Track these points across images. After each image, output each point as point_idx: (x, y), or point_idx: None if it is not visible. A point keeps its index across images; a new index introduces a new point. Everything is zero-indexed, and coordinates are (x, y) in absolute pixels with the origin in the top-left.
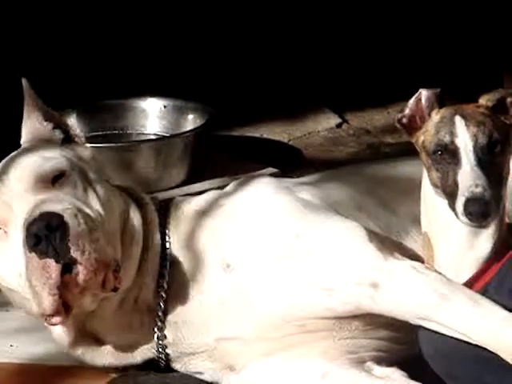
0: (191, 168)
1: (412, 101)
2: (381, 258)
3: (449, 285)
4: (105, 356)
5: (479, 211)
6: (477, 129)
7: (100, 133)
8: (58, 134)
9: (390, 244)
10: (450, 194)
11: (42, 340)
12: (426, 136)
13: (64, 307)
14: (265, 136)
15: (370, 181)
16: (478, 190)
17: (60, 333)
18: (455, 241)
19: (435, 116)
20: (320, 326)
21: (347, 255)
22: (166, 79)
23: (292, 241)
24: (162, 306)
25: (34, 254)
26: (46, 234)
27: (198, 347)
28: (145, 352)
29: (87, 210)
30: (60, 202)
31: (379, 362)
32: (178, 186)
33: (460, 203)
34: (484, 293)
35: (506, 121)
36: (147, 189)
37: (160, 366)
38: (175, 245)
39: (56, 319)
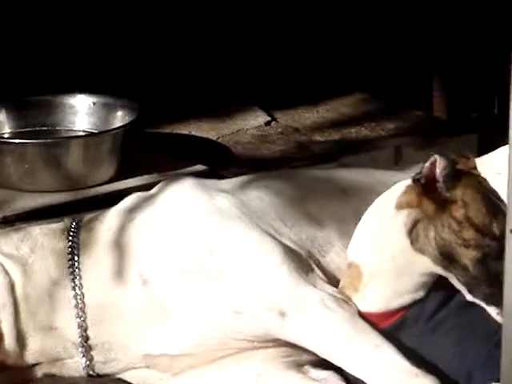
0: (120, 165)
1: (427, 166)
2: (291, 285)
3: (354, 326)
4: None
5: None
6: None
7: (29, 129)
8: None
9: (306, 265)
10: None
11: None
12: (470, 211)
13: None
14: (193, 133)
15: (298, 189)
16: None
17: None
18: (400, 284)
19: (469, 191)
20: (242, 344)
21: (258, 279)
22: (95, 76)
23: (205, 258)
24: (84, 335)
25: None
26: None
27: (128, 364)
28: (72, 368)
29: None
30: None
31: (316, 365)
32: (106, 183)
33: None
34: (402, 323)
35: None
36: (76, 185)
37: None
38: (87, 271)
39: None
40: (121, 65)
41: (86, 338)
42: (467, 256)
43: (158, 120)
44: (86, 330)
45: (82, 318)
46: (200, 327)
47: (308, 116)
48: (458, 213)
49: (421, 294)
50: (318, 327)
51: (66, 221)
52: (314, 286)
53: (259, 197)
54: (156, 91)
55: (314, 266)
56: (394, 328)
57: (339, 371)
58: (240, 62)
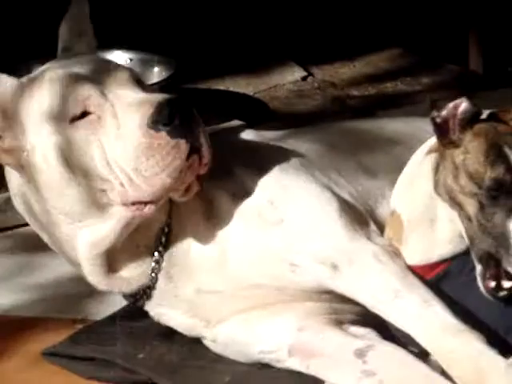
0: None
1: (451, 105)
2: (346, 238)
3: (405, 280)
4: (109, 281)
5: None
6: None
7: None
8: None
9: (361, 218)
10: (494, 237)
11: (7, 291)
12: (467, 158)
13: None
14: (230, 89)
15: (349, 141)
16: None
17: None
18: (435, 233)
19: (475, 140)
20: (297, 292)
21: (314, 232)
22: (131, 32)
23: (265, 207)
24: (163, 240)
25: (164, 133)
26: (181, 116)
27: (180, 293)
28: (139, 279)
29: None
30: None
31: (355, 324)
32: None
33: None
34: (446, 274)
35: None
36: None
37: (137, 303)
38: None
39: (151, 207)
40: (157, 21)
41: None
42: (468, 203)
43: (195, 76)
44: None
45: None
46: (256, 274)
47: (344, 71)
48: (458, 158)
49: (460, 246)
50: (369, 280)
51: None
52: (368, 239)
53: (316, 150)
54: (192, 47)
55: (368, 218)
56: (437, 279)
57: (379, 330)
58: (276, 17)
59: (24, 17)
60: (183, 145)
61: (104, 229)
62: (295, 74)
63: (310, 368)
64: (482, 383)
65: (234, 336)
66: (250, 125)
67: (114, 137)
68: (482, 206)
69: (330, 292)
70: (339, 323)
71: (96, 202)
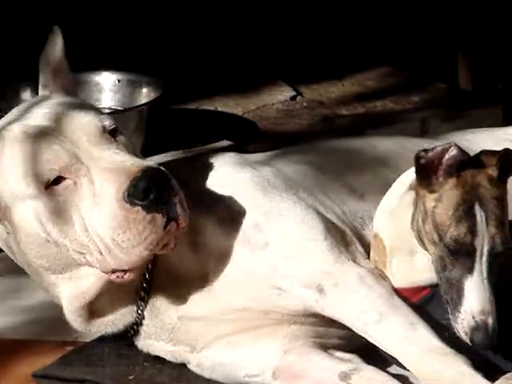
0: (146, 142)
1: (440, 148)
2: (331, 261)
3: (390, 303)
4: (93, 325)
5: (485, 343)
6: (495, 230)
7: None
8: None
9: (347, 240)
10: (453, 292)
11: None
12: (438, 207)
13: None
14: (219, 109)
15: (336, 161)
16: (490, 319)
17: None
18: (415, 262)
19: (453, 190)
20: (283, 315)
21: (299, 255)
22: (119, 53)
23: (250, 230)
24: (147, 276)
25: (139, 208)
26: (157, 189)
27: (165, 323)
28: (124, 318)
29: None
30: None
31: (340, 348)
32: None
33: (466, 325)
34: (432, 297)
35: None
36: None
37: (126, 336)
38: None
39: (129, 275)
40: (145, 42)
41: (145, 292)
42: (431, 249)
43: (184, 96)
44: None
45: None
46: (242, 298)
47: (333, 90)
48: (429, 204)
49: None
50: (354, 302)
51: None
52: (353, 261)
53: (301, 171)
54: (181, 68)
55: (354, 240)
56: (424, 302)
57: (362, 355)
58: (264, 37)
59: (13, 39)
60: (159, 219)
61: (85, 283)
62: (284, 93)
63: None
64: None
65: (219, 360)
66: (239, 145)
67: (91, 203)
68: (442, 257)
69: (316, 315)
70: (324, 347)
71: (75, 262)
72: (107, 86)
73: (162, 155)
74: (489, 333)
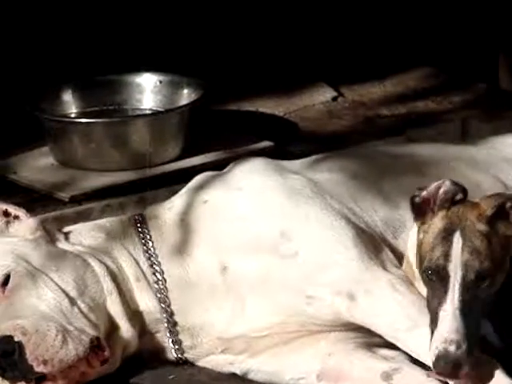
0: (186, 143)
1: (433, 186)
2: (362, 268)
3: (422, 310)
4: None
5: (447, 372)
6: (469, 257)
7: (96, 108)
8: None
9: (377, 247)
10: (432, 318)
11: None
12: (424, 238)
13: None
14: (260, 110)
15: (372, 168)
16: (452, 348)
17: None
18: None
19: (439, 222)
20: (318, 327)
21: (329, 263)
22: (161, 54)
23: (277, 240)
24: (169, 319)
25: (5, 381)
26: (7, 362)
27: (210, 349)
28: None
29: (36, 314)
30: (8, 318)
31: (385, 346)
32: (173, 161)
33: (432, 352)
34: None
35: (506, 231)
36: (142, 164)
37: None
38: (165, 257)
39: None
40: (187, 43)
41: (173, 323)
42: (419, 279)
43: (225, 97)
44: (171, 316)
45: (167, 303)
46: (275, 312)
47: (375, 91)
48: (420, 236)
49: None
50: (386, 310)
51: (129, 214)
52: (384, 268)
53: (332, 179)
54: (222, 69)
55: (385, 247)
56: None
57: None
58: (306, 38)
59: (55, 39)
60: None
61: None
62: (325, 94)
63: None
64: None
65: (263, 369)
66: (280, 146)
67: None
68: (425, 286)
69: (351, 324)
70: (368, 346)
71: None
72: (148, 87)
73: (203, 156)
74: (449, 361)
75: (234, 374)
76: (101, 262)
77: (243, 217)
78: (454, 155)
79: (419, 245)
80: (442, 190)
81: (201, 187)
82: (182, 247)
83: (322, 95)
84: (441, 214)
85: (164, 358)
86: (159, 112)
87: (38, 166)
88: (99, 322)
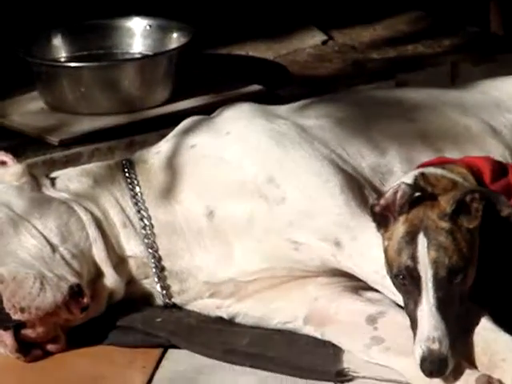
0: (176, 87)
1: (390, 192)
2: (348, 215)
3: None
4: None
5: (434, 370)
6: (437, 254)
7: (85, 52)
8: None
9: (364, 194)
10: (411, 321)
11: None
12: (389, 245)
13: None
14: (250, 54)
15: (360, 115)
16: (435, 346)
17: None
18: None
19: (401, 226)
20: (307, 273)
21: (315, 209)
22: None
23: (264, 186)
24: (157, 264)
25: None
26: None
27: (197, 294)
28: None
29: (15, 262)
30: None
31: (370, 289)
32: (162, 105)
33: (417, 353)
34: None
35: (469, 225)
36: (132, 108)
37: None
38: (152, 202)
39: (51, 347)
40: None
41: (161, 268)
42: (395, 285)
43: (215, 42)
44: (159, 261)
45: (154, 249)
46: (262, 257)
47: (365, 34)
48: (385, 244)
49: None
50: (372, 257)
51: (117, 159)
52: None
53: (320, 124)
54: (212, 13)
55: (372, 194)
56: None
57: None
58: None
59: None
60: (2, 334)
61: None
62: (315, 38)
63: (325, 335)
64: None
65: (250, 314)
66: (270, 89)
67: None
68: (399, 292)
69: (336, 269)
70: (355, 289)
71: None
72: (138, 32)
73: (192, 100)
74: (435, 360)
75: (221, 318)
76: (86, 208)
77: (230, 161)
78: (444, 100)
79: (385, 253)
80: (398, 195)
81: (188, 132)
82: (169, 192)
83: (312, 39)
84: (401, 218)
85: (152, 304)
86: (148, 56)
87: (27, 110)
88: (82, 270)
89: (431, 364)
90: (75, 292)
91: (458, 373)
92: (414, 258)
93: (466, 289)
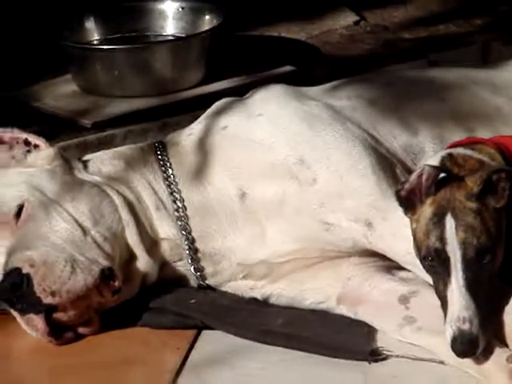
0: (208, 68)
1: (414, 175)
2: (379, 195)
3: None
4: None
5: (465, 350)
6: (465, 235)
7: (118, 35)
8: (17, 153)
9: (396, 173)
10: (441, 302)
11: None
12: (417, 227)
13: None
14: (282, 35)
15: (392, 95)
16: (466, 326)
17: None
18: None
19: (428, 208)
20: (339, 253)
21: (347, 190)
22: None
23: (296, 167)
24: (191, 246)
25: (16, 312)
26: (15, 295)
27: (231, 275)
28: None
29: (46, 245)
30: (20, 250)
31: (403, 268)
32: (195, 87)
33: (448, 334)
34: None
35: (496, 205)
36: (164, 90)
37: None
38: (185, 184)
39: (83, 330)
40: None
41: (194, 250)
42: (425, 268)
43: (247, 23)
44: (192, 243)
45: (188, 231)
46: (294, 238)
47: (396, 14)
48: (412, 226)
49: None
50: (403, 237)
51: (149, 141)
52: None
53: (351, 105)
54: None
55: (405, 175)
56: None
57: None
58: None
59: None
60: (34, 318)
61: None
62: (347, 18)
63: (358, 314)
64: None
65: (285, 293)
66: (302, 70)
67: None
68: (429, 274)
69: (368, 249)
70: (388, 268)
71: None
72: (170, 14)
73: (225, 81)
74: (465, 340)
75: (255, 299)
76: (118, 192)
77: (262, 143)
78: (475, 79)
79: (414, 236)
80: (423, 178)
81: (220, 113)
82: (201, 174)
83: (344, 19)
84: (428, 200)
85: (186, 286)
86: (181, 38)
87: (61, 93)
88: (114, 253)
89: (462, 344)
90: (106, 275)
91: (488, 352)
92: (442, 239)
93: (495, 268)
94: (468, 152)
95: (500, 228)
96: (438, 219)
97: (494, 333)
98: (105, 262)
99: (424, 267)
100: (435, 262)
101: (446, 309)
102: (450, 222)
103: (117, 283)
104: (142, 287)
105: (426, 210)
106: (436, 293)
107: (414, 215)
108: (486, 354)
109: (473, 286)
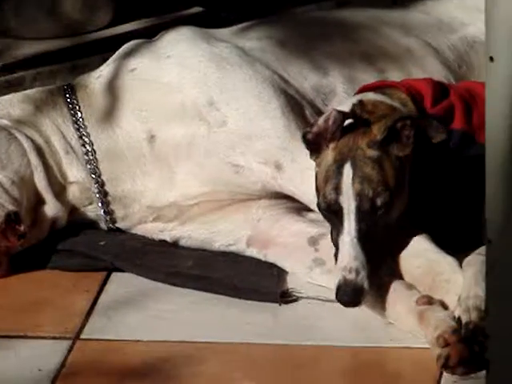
0: (118, 10)
1: (321, 119)
2: (289, 137)
3: None
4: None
5: (348, 300)
6: (361, 187)
7: None
8: None
9: (305, 115)
10: (335, 251)
11: None
12: (318, 172)
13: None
14: None
15: (301, 36)
16: (351, 276)
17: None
18: None
19: (330, 153)
20: (249, 196)
21: (256, 132)
22: None
23: (204, 109)
24: (100, 189)
25: None
26: None
27: (141, 218)
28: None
29: None
30: None
31: (312, 210)
32: (105, 28)
33: (334, 282)
34: None
35: (399, 153)
36: (74, 31)
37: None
38: (94, 127)
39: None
40: None
41: (104, 194)
42: (322, 214)
43: None
44: (102, 186)
45: (97, 174)
46: (204, 181)
47: None
48: (316, 169)
49: None
50: (312, 179)
51: (59, 84)
52: None
53: (261, 46)
54: None
55: (314, 116)
56: None
57: None
58: None
59: None
60: None
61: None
62: None
63: (268, 257)
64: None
65: (195, 236)
66: (211, 12)
67: None
68: (325, 220)
69: (278, 192)
70: (298, 210)
71: None
72: None
73: (134, 23)
74: (349, 289)
75: (165, 241)
76: (27, 135)
77: (171, 85)
78: (385, 20)
79: (315, 180)
80: (330, 121)
81: (129, 56)
82: (110, 117)
83: None
84: (331, 145)
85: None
86: None
87: None
88: (21, 197)
89: (345, 293)
90: (12, 220)
91: (397, 295)
92: (338, 188)
93: (392, 218)
94: (379, 97)
95: (402, 177)
96: (337, 167)
97: (402, 276)
98: (11, 207)
99: (321, 213)
100: (329, 211)
101: (336, 257)
102: (347, 172)
103: (22, 227)
104: (52, 231)
105: (328, 156)
106: (331, 239)
107: (317, 159)
108: (395, 296)
109: (365, 237)
